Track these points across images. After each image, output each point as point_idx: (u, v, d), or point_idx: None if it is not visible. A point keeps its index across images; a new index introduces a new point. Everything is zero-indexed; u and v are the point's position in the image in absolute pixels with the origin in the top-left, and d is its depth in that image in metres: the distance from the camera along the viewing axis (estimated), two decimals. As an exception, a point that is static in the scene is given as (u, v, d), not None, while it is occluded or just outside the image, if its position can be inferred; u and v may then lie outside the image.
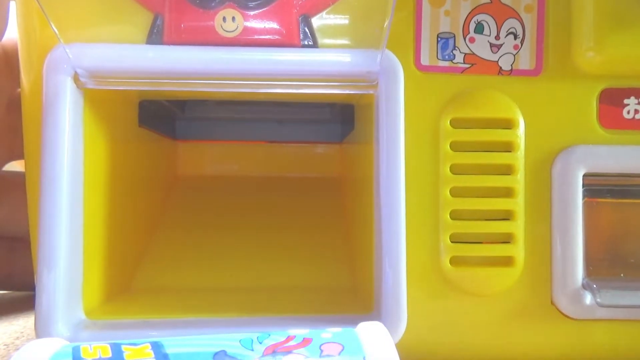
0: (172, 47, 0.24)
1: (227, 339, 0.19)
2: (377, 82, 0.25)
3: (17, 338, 0.32)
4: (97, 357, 0.18)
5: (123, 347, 0.18)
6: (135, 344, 0.18)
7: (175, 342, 0.18)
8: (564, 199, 0.26)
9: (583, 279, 0.26)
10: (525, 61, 0.26)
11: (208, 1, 0.24)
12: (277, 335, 0.19)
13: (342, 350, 0.18)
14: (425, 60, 0.26)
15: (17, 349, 0.27)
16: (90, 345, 0.18)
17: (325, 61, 0.24)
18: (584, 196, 0.26)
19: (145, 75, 0.24)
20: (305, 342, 0.18)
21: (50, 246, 0.24)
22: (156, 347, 0.18)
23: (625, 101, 0.26)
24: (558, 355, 0.26)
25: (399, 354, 0.19)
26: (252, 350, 0.18)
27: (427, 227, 0.26)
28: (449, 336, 0.26)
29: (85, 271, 0.25)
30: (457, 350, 0.26)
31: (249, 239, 0.34)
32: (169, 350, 0.18)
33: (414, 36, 0.26)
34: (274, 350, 0.18)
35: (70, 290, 0.24)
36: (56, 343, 0.19)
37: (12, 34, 0.32)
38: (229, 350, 0.18)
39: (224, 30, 0.24)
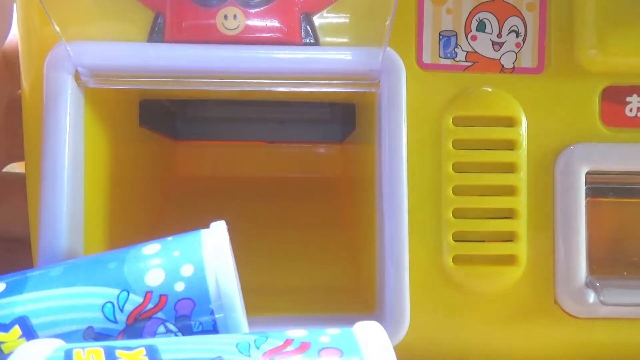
0: (173, 45, 0.24)
1: (224, 342, 0.18)
2: (379, 81, 0.25)
3: (17, 339, 0.31)
4: None
5: (117, 353, 0.18)
6: (129, 348, 0.18)
7: (170, 345, 0.18)
8: (567, 197, 0.26)
9: (586, 277, 0.26)
10: (527, 59, 0.26)
11: (209, -1, 0.24)
12: (274, 339, 0.19)
13: (341, 355, 0.18)
14: (427, 59, 0.26)
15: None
16: (83, 349, 0.18)
17: (327, 59, 0.24)
18: (587, 194, 0.26)
19: (147, 74, 0.24)
20: (303, 347, 0.18)
21: (51, 246, 0.24)
22: (151, 352, 0.18)
23: (628, 99, 0.26)
24: (561, 354, 0.26)
25: (402, 352, 0.19)
26: (249, 355, 0.18)
27: (430, 226, 0.26)
28: (451, 335, 0.26)
29: (86, 271, 0.25)
30: (460, 348, 0.26)
31: (250, 239, 0.33)
32: (164, 355, 0.18)
33: (415, 34, 0.26)
34: (271, 356, 0.18)
35: (71, 290, 0.24)
36: (52, 343, 0.19)
37: (12, 33, 0.32)
38: (226, 357, 0.17)
39: (226, 28, 0.24)
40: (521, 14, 0.26)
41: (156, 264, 0.21)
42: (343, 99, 0.32)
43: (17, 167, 0.40)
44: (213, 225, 0.22)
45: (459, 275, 0.26)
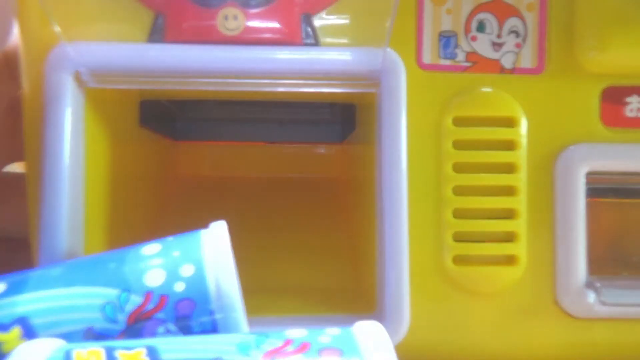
0: (173, 45, 0.24)
1: (224, 343, 0.18)
2: (379, 81, 0.25)
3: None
4: None
5: (117, 353, 0.18)
6: (129, 348, 0.18)
7: (171, 345, 0.18)
8: (567, 198, 0.26)
9: (586, 277, 0.26)
10: (527, 60, 0.26)
11: (209, 0, 0.24)
12: (274, 339, 0.19)
13: (341, 355, 0.18)
14: (427, 59, 0.26)
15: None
16: (84, 349, 0.18)
17: (327, 60, 0.24)
18: (587, 195, 0.26)
19: (147, 74, 0.24)
20: (303, 347, 0.18)
21: (51, 247, 0.24)
22: (151, 352, 0.18)
23: (628, 99, 0.26)
24: (561, 354, 0.26)
25: (402, 352, 0.19)
26: (249, 356, 0.18)
27: (430, 226, 0.26)
28: (451, 335, 0.26)
29: (86, 271, 0.25)
30: (460, 349, 0.26)
31: (250, 240, 0.33)
32: (164, 356, 0.18)
33: (415, 34, 0.26)
34: (271, 357, 0.18)
35: (71, 290, 0.24)
36: (52, 344, 0.19)
37: (13, 33, 0.32)
38: (226, 357, 0.18)
39: (226, 28, 0.24)
40: (521, 14, 0.26)
41: (156, 264, 0.21)
42: (343, 99, 0.32)
43: (17, 167, 0.40)
44: (213, 225, 0.22)
45: (459, 276, 0.26)
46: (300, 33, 0.24)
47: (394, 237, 0.25)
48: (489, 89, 0.26)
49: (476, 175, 0.26)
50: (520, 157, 0.26)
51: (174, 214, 0.35)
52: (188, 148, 0.39)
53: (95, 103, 0.25)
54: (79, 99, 0.24)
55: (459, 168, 0.26)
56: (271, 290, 0.30)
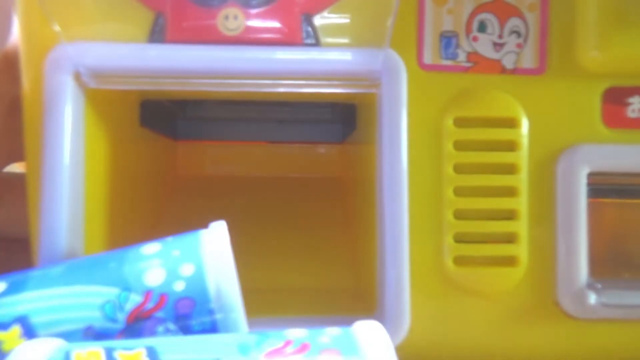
0: (174, 46, 0.24)
1: (224, 343, 0.18)
2: (380, 81, 0.25)
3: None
4: None
5: (117, 354, 0.18)
6: (129, 349, 0.18)
7: (170, 346, 0.18)
8: (568, 198, 0.26)
9: (587, 278, 0.26)
10: (529, 60, 0.26)
11: (210, 0, 0.24)
12: (274, 340, 0.19)
13: (341, 356, 0.18)
14: (428, 59, 0.26)
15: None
16: (84, 350, 0.18)
17: (328, 60, 0.24)
18: (588, 195, 0.26)
19: (148, 74, 0.24)
20: (304, 348, 0.18)
21: (51, 247, 0.23)
22: (151, 353, 0.18)
23: (629, 100, 0.26)
24: (562, 355, 0.26)
25: (402, 353, 0.19)
26: (249, 357, 0.18)
27: (430, 227, 0.26)
28: (452, 336, 0.26)
29: (86, 272, 0.25)
30: (460, 350, 0.26)
31: (250, 240, 0.33)
32: (164, 357, 0.18)
33: (416, 35, 0.26)
34: (271, 357, 0.18)
35: (71, 290, 0.24)
36: (52, 343, 0.19)
37: (14, 33, 0.32)
38: (226, 358, 0.17)
39: (226, 28, 0.24)
40: (522, 14, 0.26)
41: (156, 263, 0.21)
42: (344, 99, 0.32)
43: (17, 167, 0.40)
44: (213, 225, 0.22)
45: (459, 276, 0.26)
46: (300, 33, 0.24)
47: (394, 237, 0.25)
48: (490, 90, 0.26)
49: (477, 176, 0.26)
50: (521, 157, 0.26)
51: (174, 214, 0.35)
52: (188, 148, 0.39)
53: (96, 103, 0.25)
54: (79, 99, 0.24)
55: (459, 169, 0.26)
56: (271, 290, 0.30)
